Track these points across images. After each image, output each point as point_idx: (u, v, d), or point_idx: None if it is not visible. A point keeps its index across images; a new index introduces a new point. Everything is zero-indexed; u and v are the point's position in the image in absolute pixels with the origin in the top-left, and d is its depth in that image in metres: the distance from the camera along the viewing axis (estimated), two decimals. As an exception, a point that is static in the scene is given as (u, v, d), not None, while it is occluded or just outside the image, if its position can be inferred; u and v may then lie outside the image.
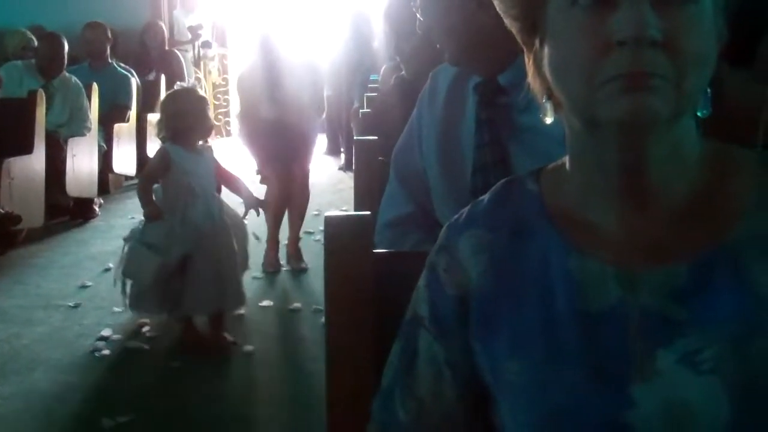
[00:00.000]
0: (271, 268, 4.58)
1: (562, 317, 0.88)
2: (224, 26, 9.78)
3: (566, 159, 0.94)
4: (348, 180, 7.36)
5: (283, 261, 4.68)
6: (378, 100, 3.23)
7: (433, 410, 0.97)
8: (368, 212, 1.18)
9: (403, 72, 3.13)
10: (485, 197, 0.99)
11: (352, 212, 1.19)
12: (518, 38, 0.94)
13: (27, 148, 4.83)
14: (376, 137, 2.18)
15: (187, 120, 3.43)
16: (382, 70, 5.01)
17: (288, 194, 4.69)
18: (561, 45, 0.86)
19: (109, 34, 6.62)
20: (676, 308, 0.85)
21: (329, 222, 1.12)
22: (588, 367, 0.86)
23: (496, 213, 0.96)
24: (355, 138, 2.19)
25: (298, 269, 4.62)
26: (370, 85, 5.39)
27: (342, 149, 8.30)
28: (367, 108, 3.56)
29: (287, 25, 5.00)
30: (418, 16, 1.74)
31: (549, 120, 0.92)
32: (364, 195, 1.94)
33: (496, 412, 0.94)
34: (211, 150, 3.64)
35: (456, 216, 1.00)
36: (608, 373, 0.85)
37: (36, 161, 4.93)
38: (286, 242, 4.78)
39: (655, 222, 0.88)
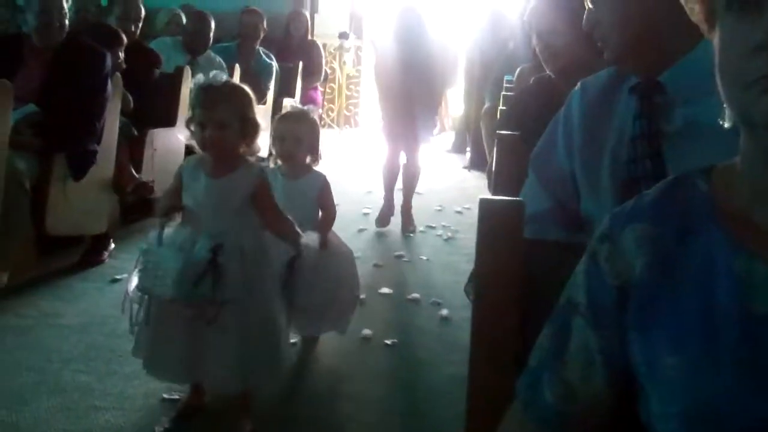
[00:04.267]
0: (382, 225, 5.49)
1: (723, 316, 0.89)
2: (361, 18, 9.92)
3: (738, 158, 0.94)
4: (473, 179, 7.38)
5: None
6: (516, 98, 3.22)
7: (581, 395, 0.99)
8: (520, 198, 1.20)
9: (542, 72, 3.13)
10: (651, 191, 1.00)
11: (506, 197, 1.21)
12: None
13: (171, 121, 5.04)
14: (516, 132, 2.19)
15: (289, 146, 3.19)
16: (518, 71, 5.01)
17: (396, 163, 5.65)
18: (718, 47, 0.89)
19: (265, 23, 6.85)
20: None
21: (483, 205, 1.15)
22: (746, 367, 0.86)
23: (662, 208, 0.97)
24: (497, 132, 2.21)
25: (407, 233, 5.41)
26: (505, 85, 5.38)
27: (468, 147, 8.31)
28: (503, 106, 3.56)
29: (427, 9, 5.70)
30: (588, 6, 1.75)
31: (727, 124, 0.93)
32: (503, 189, 1.96)
33: (642, 402, 0.96)
34: (318, 177, 3.28)
35: (620, 207, 1.01)
36: (767, 374, 0.85)
37: (177, 134, 5.14)
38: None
39: None
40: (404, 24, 5.55)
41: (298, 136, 3.18)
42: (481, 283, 1.11)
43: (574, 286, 1.02)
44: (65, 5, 3.91)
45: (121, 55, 4.57)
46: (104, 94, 3.98)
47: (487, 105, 7.11)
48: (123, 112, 4.45)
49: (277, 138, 3.23)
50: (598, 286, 0.98)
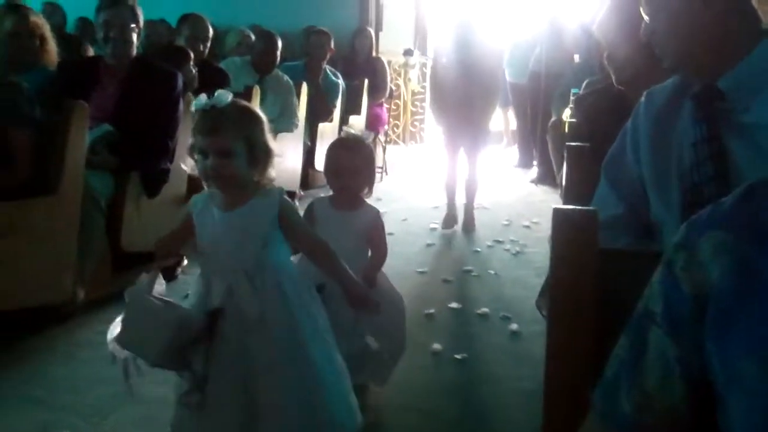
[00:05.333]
0: (447, 226, 5.75)
1: None
2: (426, 34, 9.95)
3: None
4: (540, 193, 7.32)
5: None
6: (585, 110, 3.20)
7: (658, 405, 0.98)
8: (594, 208, 1.19)
9: (607, 83, 3.13)
10: (728, 199, 0.98)
11: (580, 207, 1.20)
12: None
13: (240, 139, 5.11)
14: (587, 144, 2.19)
15: (346, 180, 2.87)
16: (584, 84, 4.98)
17: (456, 170, 5.94)
18: None
19: (332, 43, 6.94)
20: None
21: (557, 215, 1.15)
22: None
23: (739, 215, 0.96)
24: (567, 144, 2.20)
25: (469, 231, 5.79)
26: (572, 98, 5.34)
27: (534, 162, 8.25)
28: (571, 119, 3.54)
29: (481, 19, 6.00)
30: (644, 16, 1.76)
31: None
32: (574, 199, 1.95)
33: (722, 413, 0.94)
34: (371, 211, 2.95)
35: (696, 215, 1.00)
36: None
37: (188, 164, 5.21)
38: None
39: None
40: (460, 35, 5.85)
41: (355, 170, 2.87)
42: (556, 293, 1.11)
43: (650, 296, 1.01)
44: (132, 24, 4.01)
45: (193, 70, 4.67)
46: (176, 114, 4.07)
47: (553, 119, 7.08)
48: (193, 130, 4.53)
49: (330, 171, 2.89)
50: (674, 295, 0.97)
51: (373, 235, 2.90)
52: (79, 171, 3.47)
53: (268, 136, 2.22)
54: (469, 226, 5.86)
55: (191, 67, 4.69)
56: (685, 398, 0.97)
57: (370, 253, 2.91)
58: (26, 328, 3.45)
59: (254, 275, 2.16)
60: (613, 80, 2.80)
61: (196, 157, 2.18)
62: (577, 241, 1.10)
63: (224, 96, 2.14)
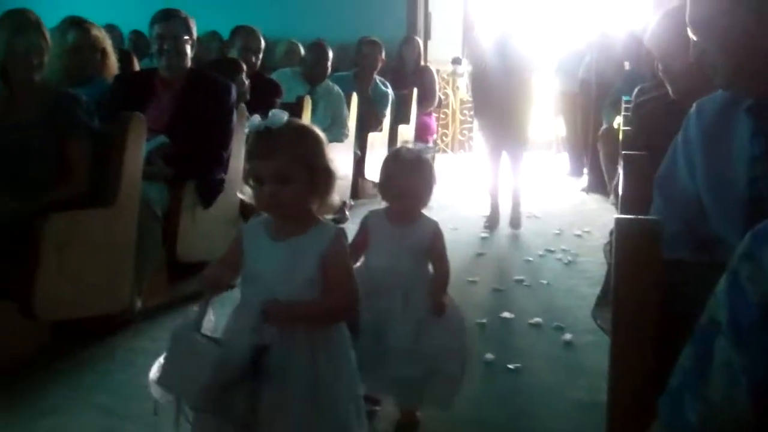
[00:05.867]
0: (491, 226, 6.11)
1: None
2: (474, 45, 9.95)
3: None
4: (591, 202, 7.27)
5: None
6: (641, 118, 3.18)
7: (724, 415, 0.97)
8: (658, 218, 1.19)
9: (662, 91, 3.10)
10: None
11: (642, 216, 1.20)
12: None
13: (292, 150, 5.16)
14: (643, 153, 2.17)
15: (406, 203, 2.67)
16: (636, 91, 4.94)
17: (499, 174, 6.27)
18: None
19: (383, 54, 6.98)
20: None
21: (620, 224, 1.15)
22: None
23: None
24: (623, 152, 2.19)
25: (515, 228, 6.09)
26: (624, 105, 5.30)
27: (585, 170, 8.20)
28: (625, 127, 3.52)
29: (521, 28, 6.38)
30: (691, 36, 1.75)
31: None
32: (631, 209, 1.94)
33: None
34: (430, 225, 2.74)
35: (762, 225, 0.99)
36: None
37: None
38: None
39: None
40: (499, 42, 6.22)
41: (415, 191, 2.66)
42: (619, 302, 1.11)
43: (715, 306, 1.00)
44: (185, 36, 4.08)
45: (246, 81, 4.73)
46: (230, 125, 4.12)
47: (604, 126, 7.03)
48: (247, 141, 4.59)
49: (388, 191, 2.68)
50: (739, 304, 0.97)
51: (433, 249, 2.70)
52: (136, 182, 3.54)
53: (329, 158, 2.04)
54: (515, 223, 6.14)
55: (244, 79, 4.75)
56: (752, 408, 0.96)
57: (431, 268, 2.72)
58: (86, 337, 3.52)
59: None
60: (670, 92, 2.79)
61: (251, 183, 2.01)
62: (640, 250, 1.10)
63: (279, 116, 1.97)
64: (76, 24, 4.25)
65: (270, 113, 1.99)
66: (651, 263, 1.09)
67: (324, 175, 2.01)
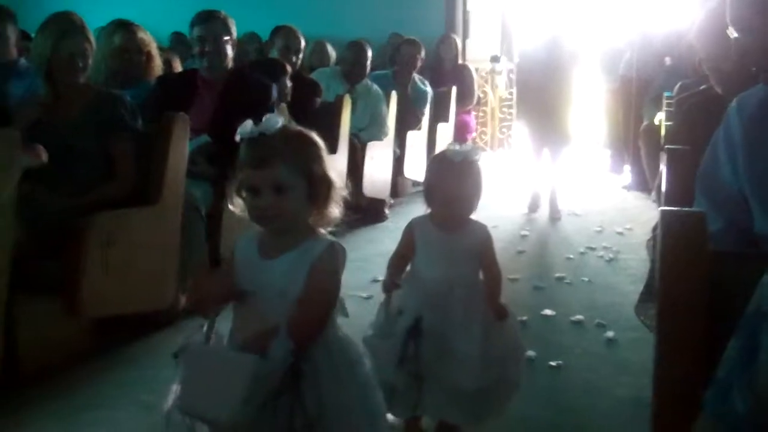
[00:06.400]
0: (532, 210, 6.48)
1: None
2: (512, 40, 9.91)
3: None
4: (632, 199, 7.21)
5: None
6: (684, 113, 3.15)
7: None
8: (703, 210, 1.18)
9: (701, 88, 3.09)
10: None
11: (688, 209, 1.19)
12: None
13: (332, 149, 5.20)
14: (687, 147, 2.16)
15: (456, 209, 2.50)
16: (677, 87, 4.90)
17: (540, 162, 6.50)
18: None
19: (423, 53, 6.99)
20: None
21: (666, 216, 1.14)
22: None
23: None
24: (667, 147, 2.17)
25: (555, 218, 6.32)
26: (666, 101, 5.26)
27: (627, 167, 8.13)
28: (668, 122, 3.49)
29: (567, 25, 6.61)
30: (732, 35, 1.74)
31: None
32: (675, 203, 1.92)
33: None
34: (480, 229, 2.57)
35: None
36: None
37: (339, 161, 5.30)
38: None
39: None
40: (546, 38, 6.44)
41: (465, 198, 2.49)
42: (666, 295, 1.10)
43: (762, 296, 1.00)
44: (226, 36, 4.13)
45: (288, 83, 4.76)
46: (270, 124, 4.15)
47: (645, 123, 6.97)
48: (287, 140, 4.63)
49: (438, 200, 2.49)
50: None
51: (485, 255, 2.55)
52: (180, 181, 3.58)
53: (329, 166, 1.89)
54: (554, 214, 6.35)
55: (287, 81, 4.78)
56: None
57: (481, 275, 2.58)
58: (130, 334, 3.57)
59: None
60: (720, 92, 2.76)
61: (244, 195, 1.85)
62: (687, 243, 1.09)
63: (274, 121, 1.82)
64: (123, 26, 4.31)
65: (264, 118, 1.83)
66: (698, 256, 1.09)
67: (323, 185, 1.86)
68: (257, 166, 1.81)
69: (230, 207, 1.93)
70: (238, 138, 1.83)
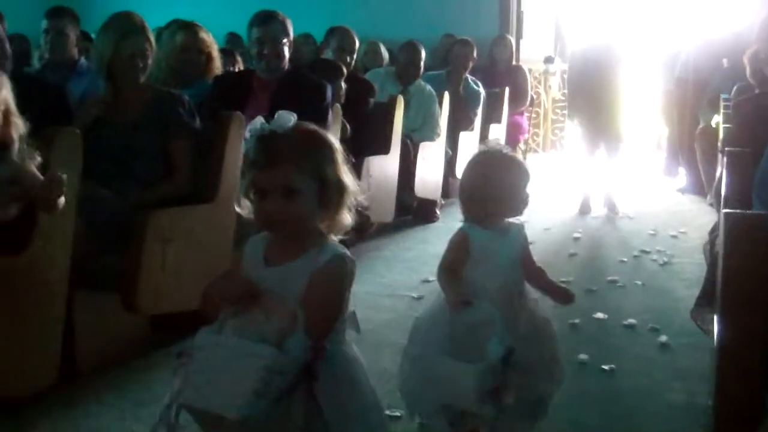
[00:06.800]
0: (583, 212, 6.49)
1: None
2: (566, 41, 9.85)
3: None
4: (687, 202, 7.12)
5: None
6: (743, 115, 3.11)
7: None
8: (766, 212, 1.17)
9: (760, 91, 3.06)
10: None
11: (752, 211, 1.18)
12: None
13: (385, 149, 5.23)
14: (747, 149, 2.13)
15: (494, 207, 2.36)
16: (735, 89, 4.84)
17: (593, 163, 6.61)
18: None
19: (475, 53, 6.99)
20: None
21: (729, 218, 1.13)
22: None
23: None
24: (726, 150, 2.15)
25: (613, 215, 6.43)
26: (723, 104, 5.19)
27: (681, 170, 8.02)
28: (725, 124, 3.45)
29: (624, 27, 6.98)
30: None
31: None
32: (734, 206, 1.90)
33: None
34: (520, 229, 2.48)
35: None
36: None
37: (391, 161, 5.33)
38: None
39: None
40: (598, 40, 6.69)
41: (509, 194, 2.38)
42: (728, 296, 1.10)
43: None
44: (284, 38, 4.17)
45: (343, 86, 4.80)
46: (325, 124, 4.18)
47: (701, 125, 6.87)
48: (341, 140, 4.66)
49: (476, 198, 2.37)
50: None
51: (528, 253, 2.48)
52: (235, 180, 3.62)
53: (343, 169, 1.78)
54: (612, 209, 6.47)
55: (342, 83, 4.82)
56: None
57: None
58: (185, 330, 3.61)
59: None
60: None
61: (251, 197, 1.75)
62: (752, 244, 1.09)
63: (286, 119, 1.71)
64: (186, 26, 4.39)
65: (276, 115, 1.73)
66: (763, 257, 1.08)
67: (336, 190, 1.75)
68: (266, 167, 1.71)
69: (237, 209, 1.83)
70: (247, 135, 1.74)
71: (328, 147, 1.77)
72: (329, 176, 1.74)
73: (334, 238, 1.79)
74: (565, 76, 9.83)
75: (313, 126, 1.80)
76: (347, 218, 1.79)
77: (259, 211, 1.74)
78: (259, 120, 1.72)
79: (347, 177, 1.78)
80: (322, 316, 1.71)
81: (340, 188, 1.76)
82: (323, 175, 1.73)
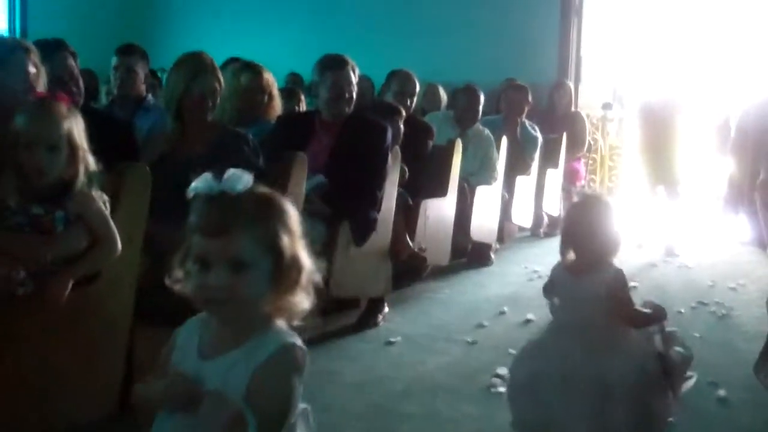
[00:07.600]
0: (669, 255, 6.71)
1: None
2: (625, 89, 9.80)
3: None
4: (745, 254, 6.99)
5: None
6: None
7: None
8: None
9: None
10: None
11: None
12: None
13: (442, 192, 5.25)
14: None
15: (576, 238, 2.65)
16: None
17: (653, 204, 7.02)
18: None
19: (530, 98, 7.02)
20: None
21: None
22: None
23: None
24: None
25: (671, 259, 6.63)
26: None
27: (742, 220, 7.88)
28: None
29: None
30: None
31: None
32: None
33: None
34: (609, 271, 2.62)
35: None
36: None
37: (448, 204, 5.35)
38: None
39: None
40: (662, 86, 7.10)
41: (596, 239, 2.63)
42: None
43: None
44: (354, 80, 4.24)
45: (402, 127, 4.85)
46: (385, 166, 4.24)
47: (763, 176, 6.76)
48: (399, 183, 4.70)
49: (572, 242, 2.65)
50: None
51: (612, 297, 2.59)
52: (296, 218, 3.67)
53: (302, 243, 1.53)
54: (670, 252, 6.70)
55: (401, 125, 4.87)
56: None
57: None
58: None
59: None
60: None
61: (188, 267, 1.50)
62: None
63: (239, 179, 1.48)
64: (250, 67, 4.50)
65: (227, 173, 1.49)
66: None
67: (292, 266, 1.51)
68: (213, 234, 1.48)
69: (166, 281, 1.55)
70: (190, 194, 1.52)
71: (288, 216, 1.54)
72: (286, 251, 1.50)
73: (282, 324, 1.54)
74: (623, 124, 9.80)
75: (268, 190, 1.57)
76: (303, 301, 1.53)
77: (199, 285, 1.49)
78: (208, 176, 1.50)
79: (305, 252, 1.54)
80: (273, 418, 1.49)
81: (296, 266, 1.52)
82: (279, 249, 1.50)
